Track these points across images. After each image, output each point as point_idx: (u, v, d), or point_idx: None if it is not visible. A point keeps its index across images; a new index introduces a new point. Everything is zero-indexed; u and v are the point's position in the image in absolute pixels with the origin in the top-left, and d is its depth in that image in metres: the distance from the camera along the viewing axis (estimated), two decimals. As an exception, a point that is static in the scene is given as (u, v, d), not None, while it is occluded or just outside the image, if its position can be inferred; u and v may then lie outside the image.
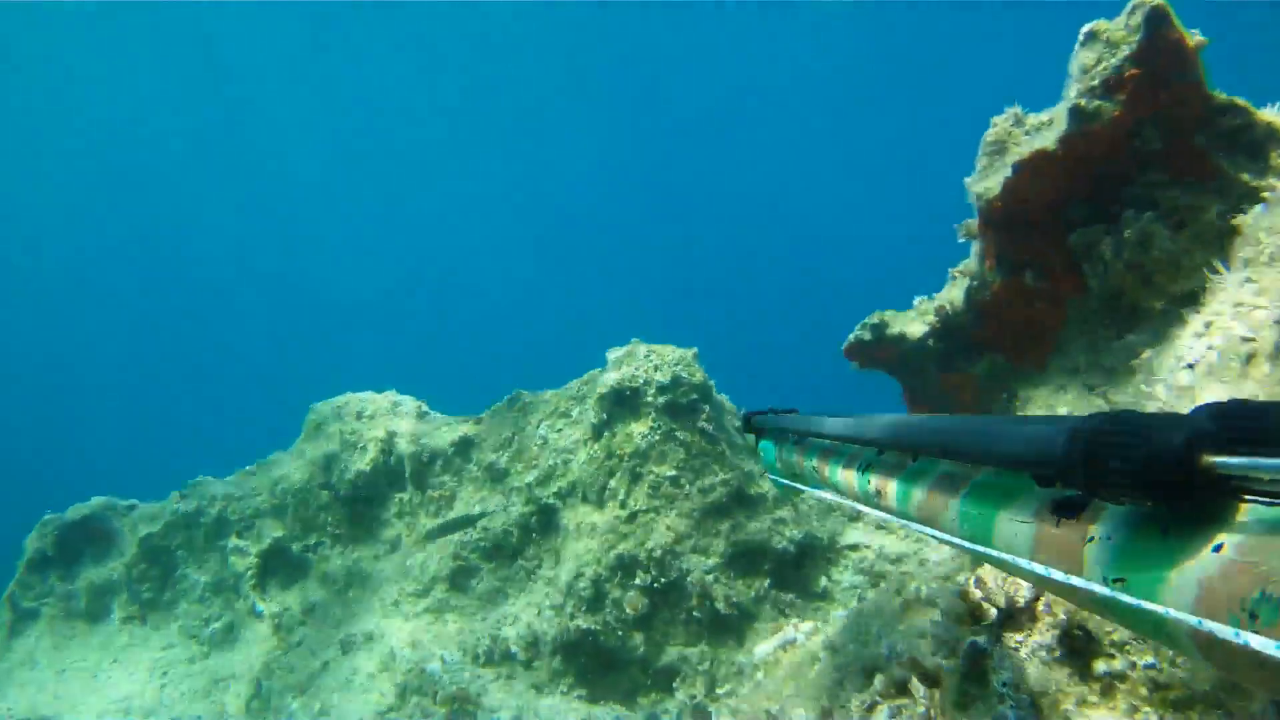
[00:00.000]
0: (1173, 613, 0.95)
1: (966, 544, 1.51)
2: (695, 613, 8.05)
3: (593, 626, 8.15)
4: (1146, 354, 4.54)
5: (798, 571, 8.33)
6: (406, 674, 9.11)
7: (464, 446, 10.56)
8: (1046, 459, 1.18)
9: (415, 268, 64.78)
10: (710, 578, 8.11)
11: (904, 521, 1.85)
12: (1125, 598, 1.04)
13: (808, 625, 5.77)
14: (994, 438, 1.37)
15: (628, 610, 8.09)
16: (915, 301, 6.57)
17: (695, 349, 9.05)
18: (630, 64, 53.37)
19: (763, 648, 5.51)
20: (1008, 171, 5.12)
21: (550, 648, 8.41)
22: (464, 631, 9.30)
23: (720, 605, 7.99)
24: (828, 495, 2.49)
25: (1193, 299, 4.96)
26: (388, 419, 11.37)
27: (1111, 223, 5.03)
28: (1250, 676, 0.90)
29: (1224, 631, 0.86)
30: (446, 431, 10.80)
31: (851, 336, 6.42)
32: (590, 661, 8.23)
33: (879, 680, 3.77)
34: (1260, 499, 0.92)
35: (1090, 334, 5.29)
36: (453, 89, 54.60)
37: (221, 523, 12.22)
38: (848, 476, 2.19)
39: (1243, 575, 0.87)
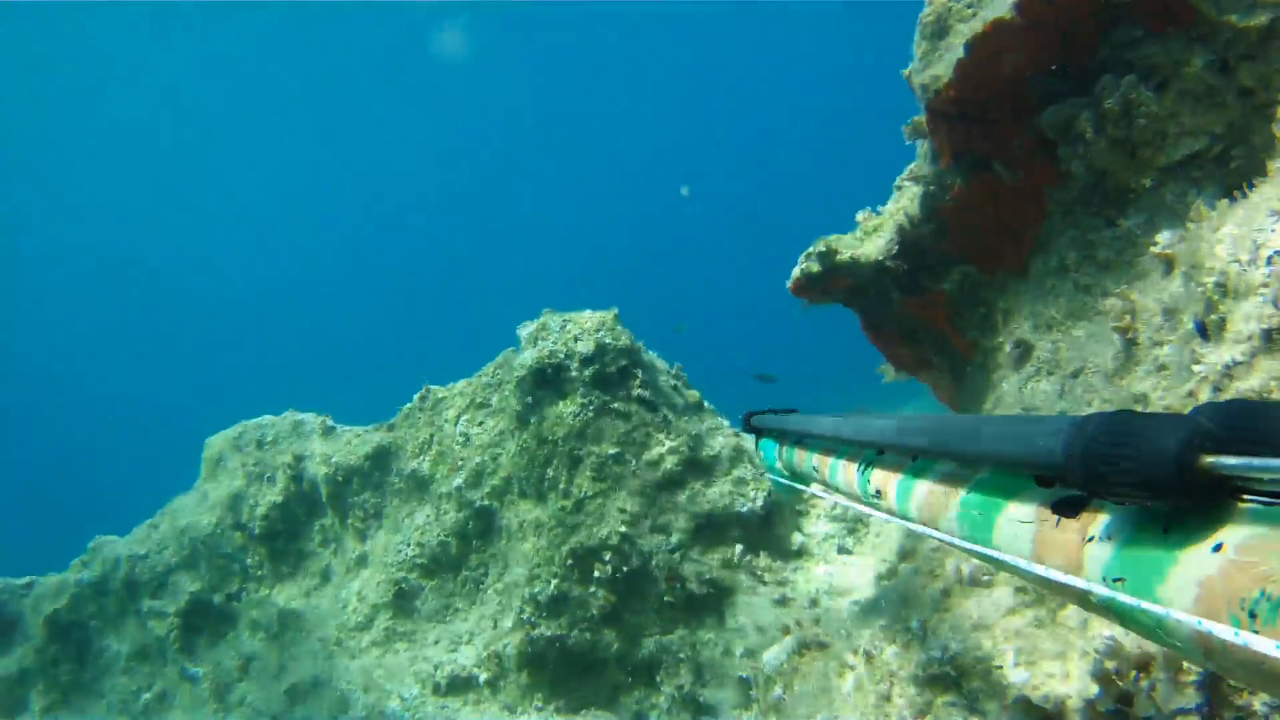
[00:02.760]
0: (1173, 613, 0.93)
1: (967, 544, 1.49)
2: (667, 597, 7.33)
3: (557, 632, 7.38)
4: (1162, 239, 3.84)
5: (768, 532, 7.64)
6: (364, 720, 8.28)
7: (380, 457, 9.63)
8: (1047, 459, 1.16)
9: (291, 271, 62.17)
10: (676, 557, 7.38)
11: (904, 522, 1.83)
12: (1125, 598, 1.02)
13: (815, 630, 5.04)
14: (994, 438, 1.35)
15: (592, 607, 7.33)
16: (859, 218, 5.79)
17: (615, 309, 8.21)
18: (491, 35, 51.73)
19: (773, 654, 4.77)
20: (959, 52, 4.35)
21: (515, 662, 7.64)
22: (418, 660, 8.48)
23: (693, 585, 7.27)
24: (828, 495, 2.46)
25: (1186, 169, 4.30)
26: (292, 442, 10.37)
27: (1085, 95, 4.30)
28: (1250, 676, 0.90)
29: (1224, 631, 0.84)
30: (358, 444, 9.84)
31: (796, 271, 5.61)
32: (561, 670, 7.48)
33: (943, 696, 3.04)
34: (1260, 499, 0.92)
35: (1076, 225, 4.59)
36: (323, 71, 52.15)
37: (132, 586, 11.17)
38: (848, 476, 2.19)
39: (1242, 575, 0.86)
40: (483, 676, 7.91)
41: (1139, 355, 3.92)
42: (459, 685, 8.05)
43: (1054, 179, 4.57)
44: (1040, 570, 1.23)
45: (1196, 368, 3.38)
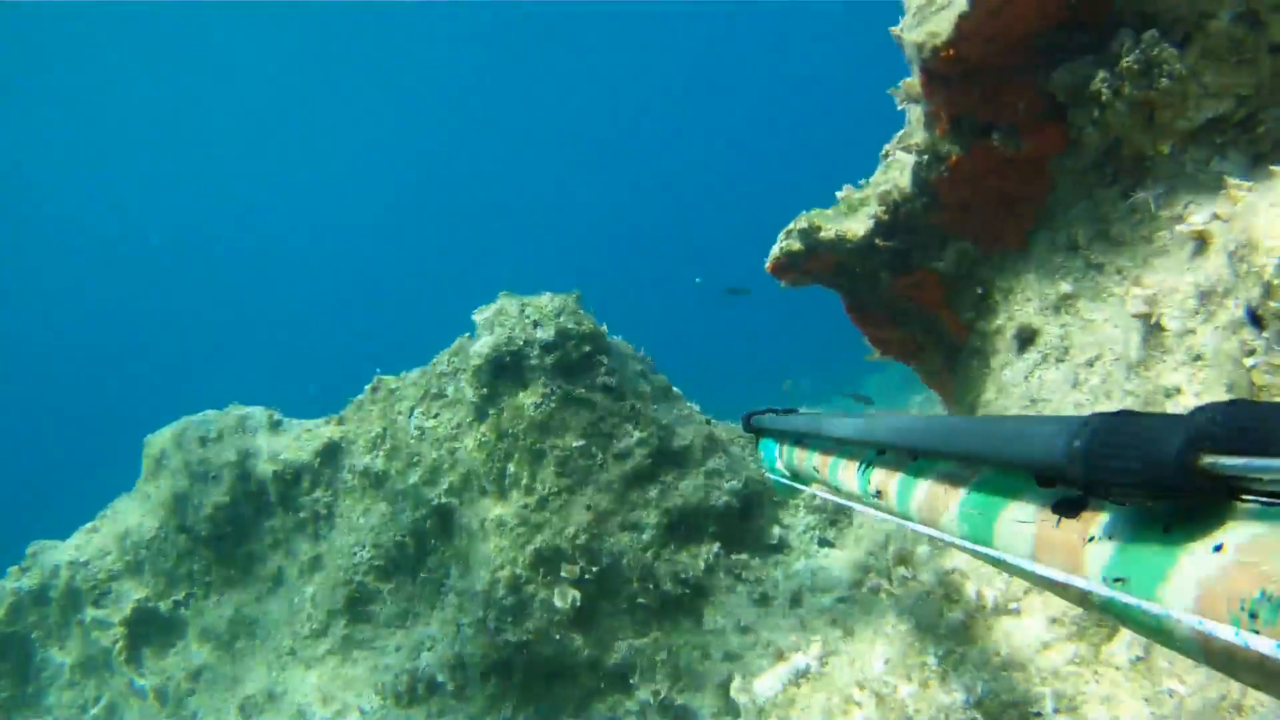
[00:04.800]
0: (1173, 613, 0.92)
1: (967, 544, 1.46)
2: (640, 599, 6.91)
3: (523, 637, 6.94)
4: (1197, 219, 3.41)
5: (746, 525, 7.22)
6: (322, 737, 7.81)
7: (331, 453, 9.09)
8: (1047, 459, 1.14)
9: (232, 259, 60.71)
10: (649, 555, 6.95)
11: (905, 522, 1.79)
12: (1126, 598, 1.01)
13: (816, 649, 4.62)
14: (994, 437, 1.32)
15: (560, 610, 6.90)
16: (840, 194, 5.32)
17: (577, 292, 7.71)
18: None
19: (765, 684, 4.34)
20: (962, 6, 3.87)
21: (480, 669, 7.19)
22: (377, 669, 8.00)
23: (667, 584, 6.85)
24: (828, 495, 2.42)
25: (1209, 134, 3.87)
26: (237, 438, 9.79)
27: (1099, 53, 3.86)
28: (1250, 677, 0.89)
29: (1224, 632, 0.84)
30: (307, 439, 9.29)
31: (776, 250, 5.14)
32: (529, 677, 7.05)
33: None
34: (1260, 499, 0.92)
35: (1088, 196, 4.15)
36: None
37: (73, 594, 10.58)
38: (848, 476, 2.17)
39: (1243, 575, 0.85)
40: (448, 684, 7.46)
41: (1167, 343, 3.51)
42: (421, 694, 7.60)
43: (1063, 146, 4.13)
44: (1041, 570, 1.23)
45: (1249, 360, 2.97)
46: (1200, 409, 0.98)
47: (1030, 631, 2.99)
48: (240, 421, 9.93)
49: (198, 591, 9.83)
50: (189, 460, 9.86)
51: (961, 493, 1.54)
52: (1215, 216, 3.47)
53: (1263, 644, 0.78)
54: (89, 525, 10.93)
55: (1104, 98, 3.82)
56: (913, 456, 1.83)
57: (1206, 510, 0.96)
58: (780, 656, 4.78)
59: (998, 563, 1.38)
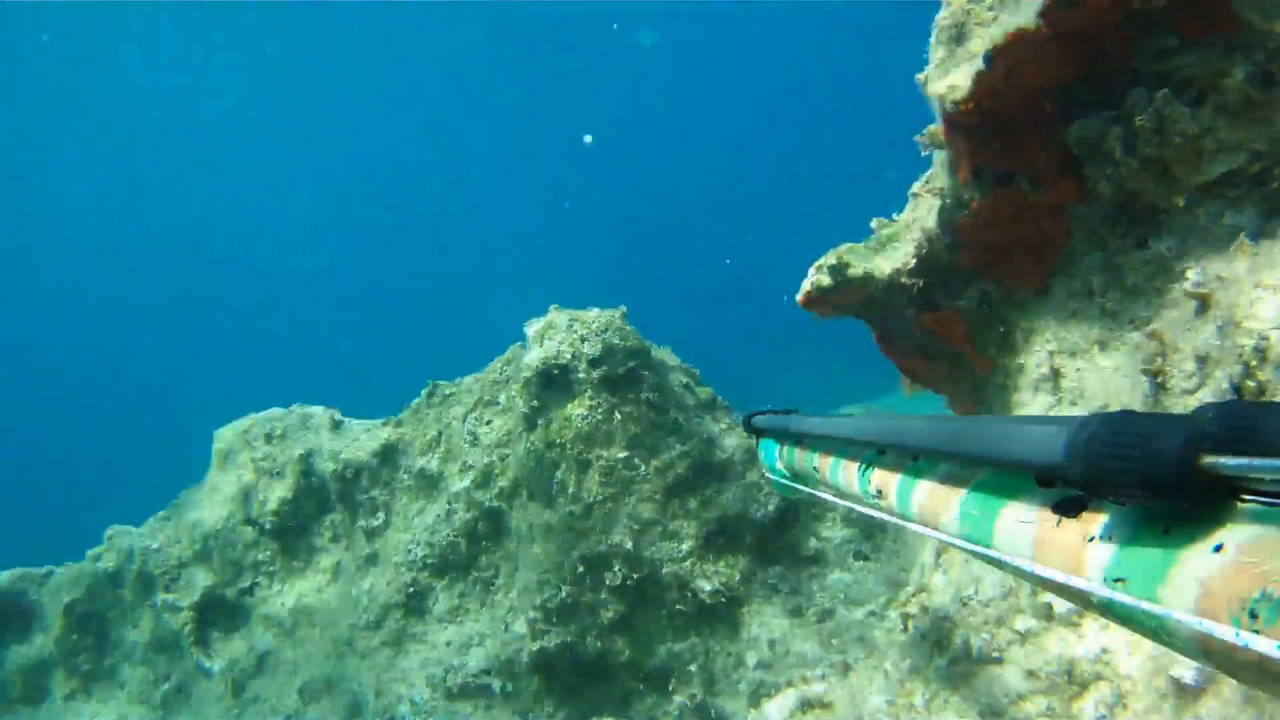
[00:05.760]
0: (1174, 614, 0.93)
1: (967, 545, 1.48)
2: (679, 605, 7.13)
3: (568, 638, 7.21)
4: (1193, 276, 3.53)
5: (781, 537, 7.41)
6: (376, 724, 8.17)
7: (388, 454, 9.43)
8: (1047, 459, 1.16)
9: (299, 264, 61.54)
10: (688, 564, 7.17)
11: (905, 523, 1.82)
12: (1126, 598, 1.03)
13: (820, 687, 4.80)
14: (995, 438, 1.34)
15: (603, 614, 7.15)
16: (873, 224, 5.48)
17: (623, 308, 7.93)
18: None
19: (775, 709, 4.54)
20: (979, 63, 4.01)
21: (527, 667, 7.47)
22: (429, 663, 8.32)
23: (705, 593, 7.07)
24: (828, 496, 2.46)
25: (1223, 188, 3.97)
26: (300, 436, 10.19)
27: (1115, 108, 3.97)
28: (1250, 677, 0.90)
29: (1224, 632, 0.85)
30: (366, 440, 9.65)
31: (807, 284, 5.31)
32: (572, 676, 7.32)
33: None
34: (1260, 499, 0.92)
35: (1103, 246, 4.27)
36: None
37: (146, 578, 11.09)
38: (848, 476, 2.17)
39: (1243, 575, 0.86)
40: (495, 681, 7.76)
41: (1168, 401, 3.63)
42: (470, 690, 7.90)
43: (1079, 196, 4.25)
44: (1041, 571, 1.24)
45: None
46: (1200, 409, 1.02)
47: (1009, 683, 3.16)
48: (303, 420, 10.32)
49: (262, 581, 10.25)
50: (255, 456, 10.28)
51: (962, 493, 1.55)
52: (1218, 278, 3.59)
53: (1263, 644, 0.80)
54: (162, 513, 11.42)
55: (1117, 154, 3.94)
56: (913, 457, 1.84)
57: (1207, 510, 0.97)
58: (790, 684, 4.97)
59: (998, 563, 1.41)
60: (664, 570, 7.16)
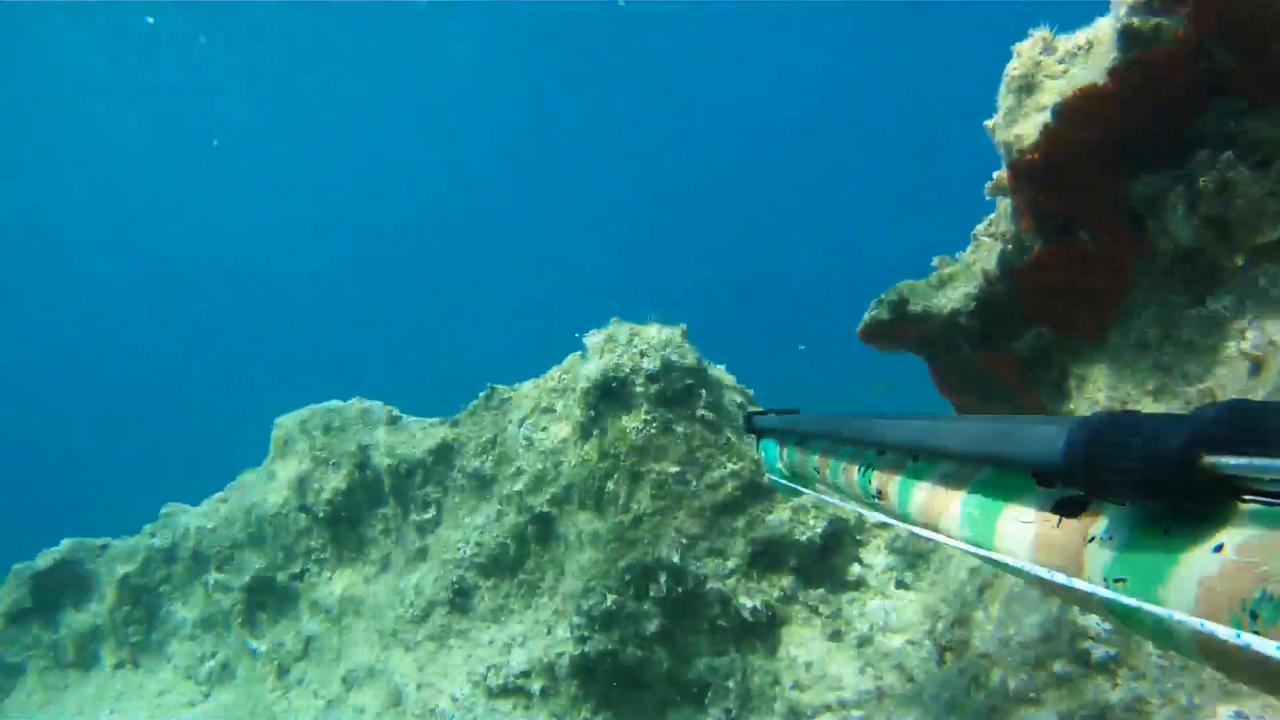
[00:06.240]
0: (1174, 614, 0.93)
1: (968, 546, 1.48)
2: (720, 621, 7.25)
3: (609, 646, 7.35)
4: (1251, 337, 3.62)
5: (826, 561, 7.50)
6: (416, 717, 8.34)
7: (443, 453, 9.65)
8: (1048, 459, 1.16)
9: (367, 260, 62.47)
10: (732, 581, 7.29)
11: (904, 524, 1.82)
12: (1126, 599, 1.02)
13: (857, 714, 4.90)
14: (995, 438, 1.34)
15: (645, 624, 7.29)
16: (934, 261, 5.60)
17: (683, 326, 8.08)
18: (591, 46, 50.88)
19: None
20: (1046, 116, 4.14)
21: (566, 671, 7.62)
22: (471, 659, 8.51)
23: (746, 611, 7.18)
24: (828, 497, 2.47)
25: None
26: (358, 429, 10.44)
27: (1179, 166, 4.07)
28: (1251, 677, 0.89)
29: (1225, 632, 0.85)
30: (422, 437, 9.87)
31: (867, 317, 5.44)
32: (611, 683, 7.45)
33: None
34: (1261, 499, 0.92)
35: (1160, 300, 4.36)
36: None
37: (200, 556, 11.43)
38: (849, 477, 2.18)
39: (1243, 575, 0.86)
40: (535, 684, 7.91)
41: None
42: (510, 689, 8.07)
43: (1140, 250, 4.35)
44: (1041, 571, 1.24)
45: None
46: (1201, 409, 1.00)
47: (1046, 721, 3.27)
48: (362, 414, 10.57)
49: (312, 567, 10.50)
50: (314, 445, 10.55)
51: (962, 493, 1.55)
52: (1272, 342, 3.67)
53: (1263, 644, 0.80)
54: (219, 495, 11.74)
55: (1179, 212, 4.04)
56: (913, 457, 1.84)
57: (1207, 510, 0.97)
58: (829, 708, 5.08)
59: (998, 563, 1.41)
60: (708, 585, 7.28)
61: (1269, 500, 0.91)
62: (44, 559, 12.51)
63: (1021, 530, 1.31)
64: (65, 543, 12.61)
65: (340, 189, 59.26)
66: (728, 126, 54.59)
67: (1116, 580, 1.06)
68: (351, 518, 10.23)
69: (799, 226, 52.85)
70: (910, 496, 1.76)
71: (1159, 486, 0.96)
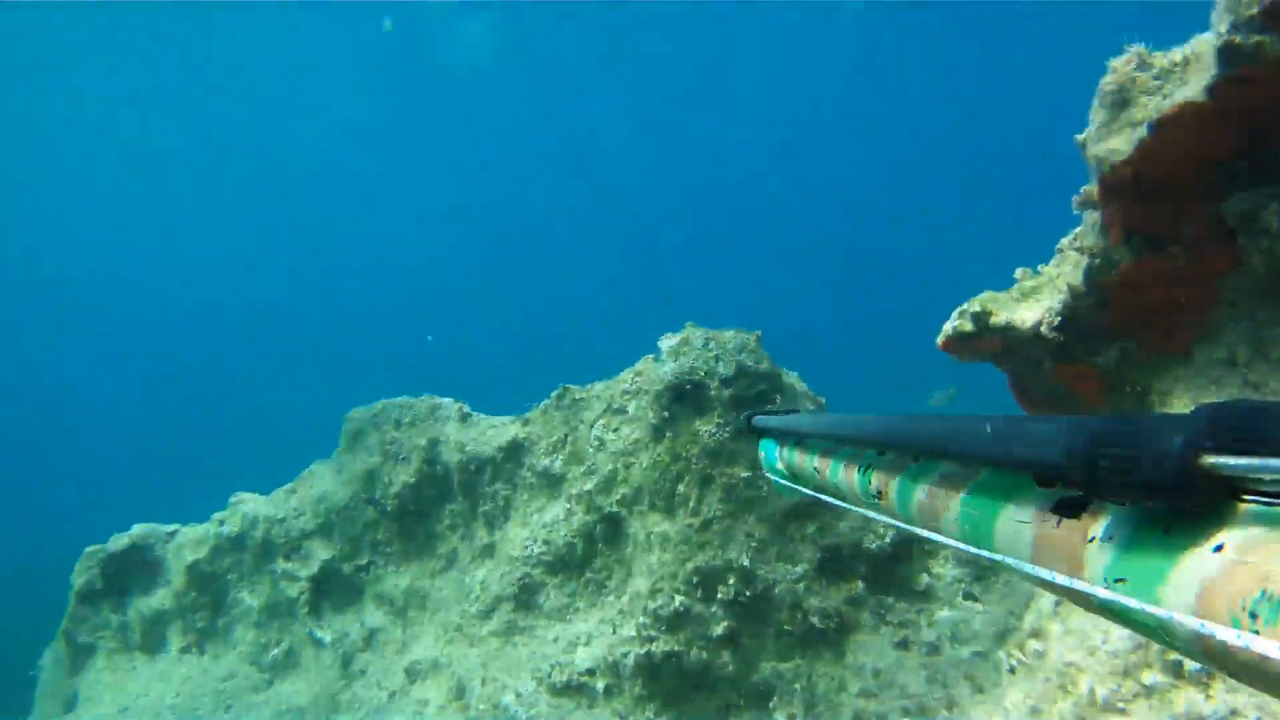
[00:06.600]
0: (1174, 614, 0.92)
1: (967, 546, 1.47)
2: (786, 626, 7.32)
3: (675, 647, 7.42)
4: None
5: (894, 570, 7.54)
6: (480, 710, 8.47)
7: (514, 451, 9.78)
8: (1047, 459, 1.15)
9: (444, 258, 63.27)
10: (800, 587, 7.35)
11: (904, 525, 1.74)
12: (1126, 599, 1.01)
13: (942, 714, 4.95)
14: (995, 438, 1.33)
15: (712, 627, 7.36)
16: (1017, 274, 5.64)
17: (758, 332, 8.17)
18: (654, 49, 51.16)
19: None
20: (1142, 131, 4.18)
21: (631, 671, 7.70)
22: (535, 656, 8.61)
23: (814, 617, 7.24)
24: (828, 498, 2.26)
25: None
26: (428, 425, 10.62)
27: (1274, 185, 4.09)
28: (1251, 678, 0.87)
29: (1225, 633, 0.84)
30: (493, 435, 10.02)
31: (948, 327, 5.50)
32: (675, 684, 7.52)
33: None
34: (1261, 499, 0.91)
35: (1251, 318, 4.38)
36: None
37: (268, 545, 11.64)
38: (848, 477, 2.07)
39: (1243, 575, 0.85)
40: (599, 683, 8.00)
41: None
42: (574, 687, 8.16)
43: (1230, 267, 4.37)
44: (1040, 572, 1.23)
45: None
46: (1201, 408, 0.99)
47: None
48: (432, 410, 10.75)
49: (379, 560, 10.69)
50: (384, 439, 10.74)
51: (961, 493, 1.53)
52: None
53: (1263, 644, 0.80)
54: (288, 486, 11.96)
55: (1273, 229, 4.06)
56: (913, 457, 1.81)
57: (1207, 510, 0.97)
58: (907, 714, 5.13)
59: (998, 564, 1.38)
60: (776, 590, 7.35)
61: (1269, 500, 0.91)
62: (115, 542, 12.81)
63: (1021, 530, 1.29)
64: (136, 528, 12.90)
65: (422, 185, 60.32)
66: (814, 136, 54.73)
67: (1116, 580, 1.05)
68: (419, 512, 10.41)
69: (878, 236, 52.66)
70: (910, 497, 1.73)
71: (1159, 486, 0.95)
